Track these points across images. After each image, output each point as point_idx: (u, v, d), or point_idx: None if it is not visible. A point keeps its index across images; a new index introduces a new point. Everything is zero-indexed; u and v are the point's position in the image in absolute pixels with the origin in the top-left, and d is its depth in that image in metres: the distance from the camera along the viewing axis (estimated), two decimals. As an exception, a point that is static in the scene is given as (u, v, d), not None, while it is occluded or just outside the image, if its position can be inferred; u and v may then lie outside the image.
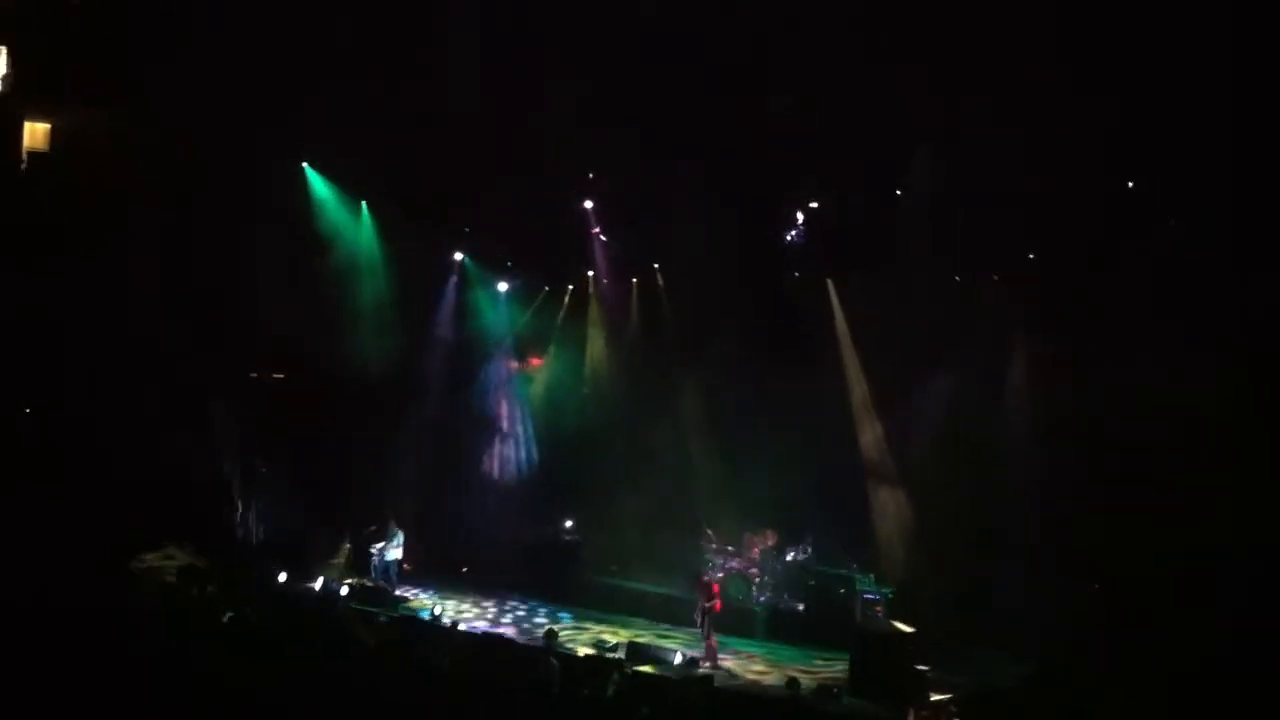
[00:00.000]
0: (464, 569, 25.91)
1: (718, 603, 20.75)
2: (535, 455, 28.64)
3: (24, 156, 25.24)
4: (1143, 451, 20.01)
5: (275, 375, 27.03)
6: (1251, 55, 18.12)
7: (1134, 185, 21.25)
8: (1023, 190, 21.21)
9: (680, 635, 21.67)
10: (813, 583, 22.92)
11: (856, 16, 20.57)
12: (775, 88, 22.44)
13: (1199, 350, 19.37)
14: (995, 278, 23.38)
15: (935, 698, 17.71)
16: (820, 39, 21.22)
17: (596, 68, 22.67)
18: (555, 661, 17.90)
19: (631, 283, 28.16)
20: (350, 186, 26.84)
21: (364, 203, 27.08)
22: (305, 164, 26.47)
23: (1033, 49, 19.66)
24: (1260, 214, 19.24)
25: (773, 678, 19.32)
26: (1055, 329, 22.08)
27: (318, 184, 26.71)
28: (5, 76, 24.82)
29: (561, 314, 29.00)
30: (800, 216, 25.21)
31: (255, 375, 26.84)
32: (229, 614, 17.16)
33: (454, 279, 28.66)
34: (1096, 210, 21.24)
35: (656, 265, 27.50)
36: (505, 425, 28.99)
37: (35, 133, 25.43)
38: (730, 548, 24.29)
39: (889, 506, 24.13)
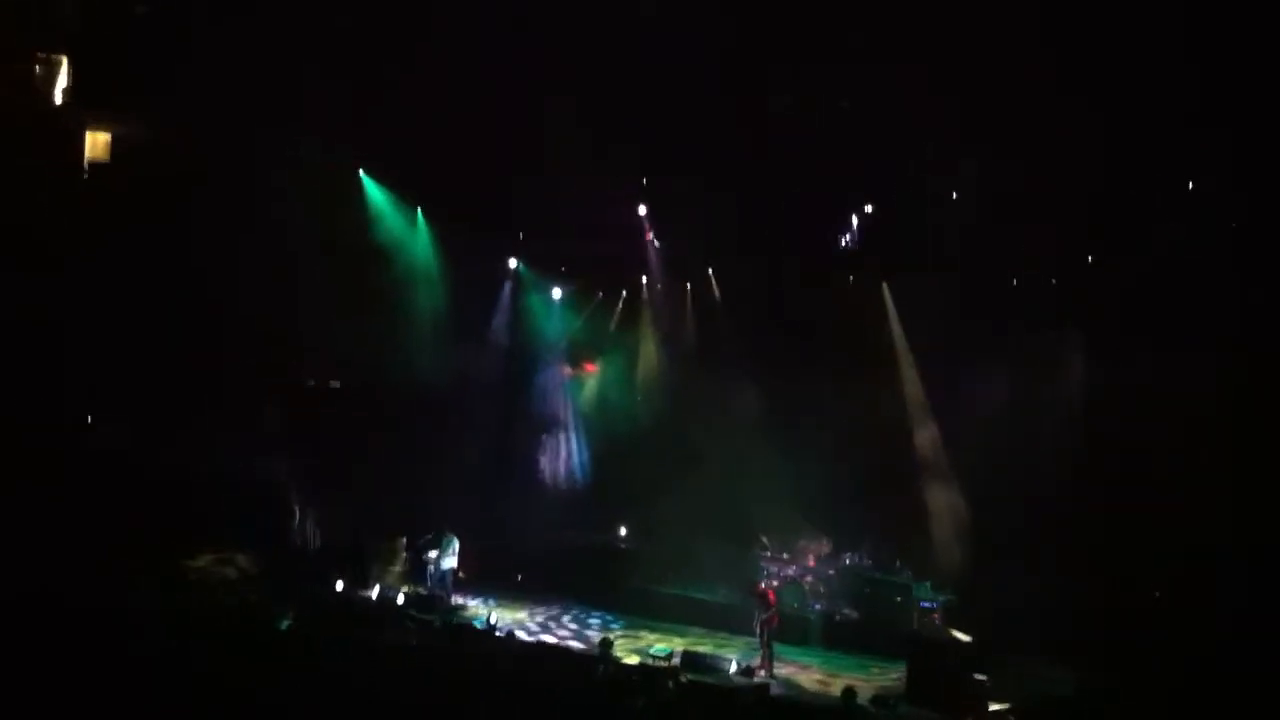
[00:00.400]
0: (518, 576, 25.92)
1: (773, 609, 20.64)
2: (589, 461, 28.65)
3: (86, 166, 25.54)
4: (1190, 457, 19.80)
5: (332, 383, 27.21)
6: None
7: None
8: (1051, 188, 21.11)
9: (736, 644, 21.54)
10: (868, 590, 22.73)
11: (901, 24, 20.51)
12: (828, 92, 22.40)
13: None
14: (1053, 281, 23.25)
15: (994, 707, 17.52)
16: (871, 42, 21.18)
17: (651, 74, 22.70)
18: (610, 669, 17.94)
19: (685, 287, 28.12)
20: (406, 195, 27.02)
21: (419, 210, 27.24)
22: (362, 172, 26.67)
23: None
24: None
25: (829, 687, 19.17)
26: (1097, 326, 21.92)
27: (374, 192, 26.88)
28: (66, 89, 25.15)
29: (615, 319, 29.00)
30: (855, 220, 25.09)
31: (313, 383, 27.04)
32: (286, 621, 17.38)
33: (509, 285, 28.77)
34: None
35: (710, 270, 27.45)
36: (559, 432, 29.02)
37: (96, 143, 25.74)
38: (785, 555, 24.17)
39: (945, 512, 23.87)
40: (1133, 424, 20.42)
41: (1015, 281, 23.76)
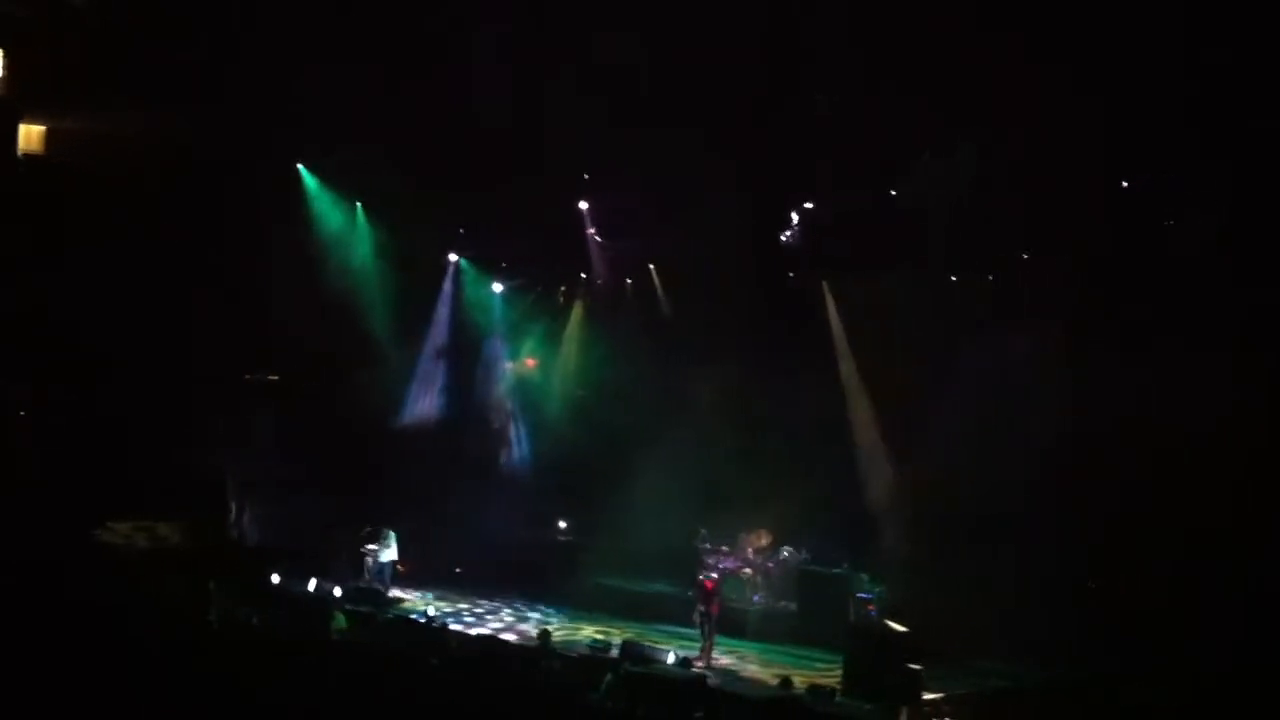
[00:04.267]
0: (458, 569, 25.90)
1: (714, 601, 20.74)
2: (530, 456, 28.65)
3: (20, 158, 25.27)
4: (1154, 448, 19.98)
5: (270, 377, 27.08)
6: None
7: (1140, 181, 21.18)
8: (1025, 187, 21.20)
9: (676, 635, 21.62)
10: (806, 582, 22.91)
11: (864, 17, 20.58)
12: (779, 88, 22.44)
13: (1205, 350, 19.38)
14: (990, 277, 23.47)
15: (929, 697, 17.68)
16: (824, 39, 21.24)
17: (594, 67, 22.72)
18: (550, 662, 17.97)
19: (626, 283, 28.18)
20: (345, 188, 26.90)
21: (359, 204, 27.13)
22: (300, 165, 26.52)
23: (1037, 44, 19.65)
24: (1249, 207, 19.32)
25: (767, 678, 19.28)
26: (1060, 323, 22.06)
27: (312, 185, 26.75)
28: (2, 79, 24.86)
29: (557, 315, 29.02)
30: (795, 217, 25.16)
31: (249, 376, 26.89)
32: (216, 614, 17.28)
33: (450, 280, 28.70)
34: (1103, 206, 21.26)
35: (652, 266, 27.52)
36: (500, 426, 28.99)
37: (31, 135, 25.48)
38: (725, 548, 24.27)
39: (886, 505, 24.04)
40: (1097, 420, 20.57)
41: (991, 278, 23.87)
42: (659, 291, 27.63)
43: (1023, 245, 22.73)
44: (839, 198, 24.03)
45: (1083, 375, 21.23)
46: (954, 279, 23.89)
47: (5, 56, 24.93)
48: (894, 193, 23.14)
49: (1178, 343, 19.69)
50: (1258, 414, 19.04)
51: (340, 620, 19.15)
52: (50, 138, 25.59)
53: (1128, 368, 20.30)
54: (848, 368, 25.20)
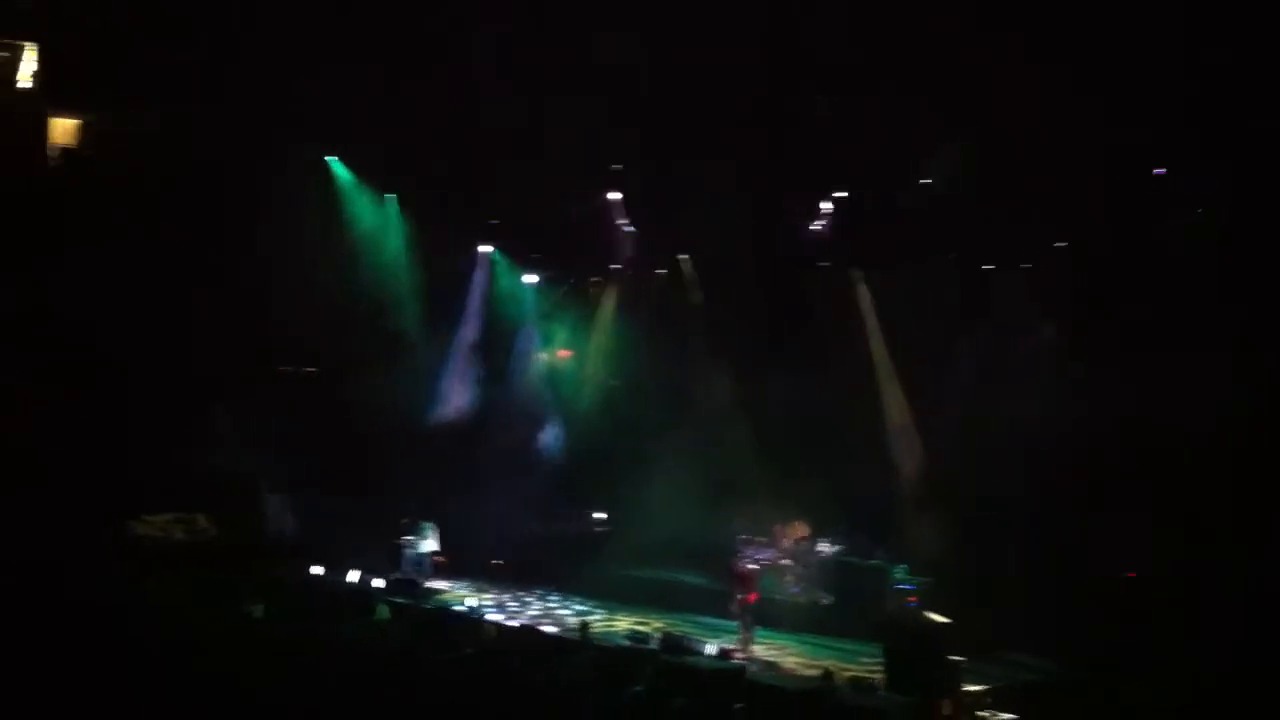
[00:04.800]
0: (496, 562, 25.98)
1: (752, 594, 20.75)
2: (564, 447, 28.67)
3: (54, 152, 25.39)
4: (1176, 446, 19.91)
5: (306, 370, 27.19)
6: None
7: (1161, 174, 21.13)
8: (1045, 180, 21.16)
9: (714, 626, 21.64)
10: (845, 574, 22.89)
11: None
12: (802, 83, 22.45)
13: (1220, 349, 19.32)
14: (1023, 267, 23.45)
15: (970, 689, 17.66)
16: (842, 33, 21.23)
17: (623, 62, 22.72)
18: (589, 653, 18.05)
19: (658, 274, 28.17)
20: (376, 180, 26.97)
21: (391, 196, 27.18)
22: (329, 158, 26.58)
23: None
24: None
25: (807, 671, 19.30)
26: (1081, 320, 22.05)
27: (343, 177, 26.81)
28: (35, 74, 24.98)
29: (589, 306, 29.04)
30: (824, 208, 25.18)
31: (285, 370, 27.00)
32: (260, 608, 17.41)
33: (481, 272, 28.74)
34: (1121, 200, 21.19)
35: (684, 257, 27.51)
36: (534, 418, 29.02)
37: (65, 129, 25.61)
38: (761, 539, 24.27)
39: (920, 496, 24.01)
40: (1117, 416, 20.55)
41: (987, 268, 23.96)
42: (689, 282, 27.60)
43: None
44: (862, 192, 24.06)
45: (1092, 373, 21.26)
46: (982, 269, 23.89)
47: (37, 52, 25.07)
48: (922, 182, 23.19)
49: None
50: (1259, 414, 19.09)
51: (383, 611, 19.31)
52: (84, 131, 25.73)
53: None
54: (880, 358, 25.20)
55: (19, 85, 25.05)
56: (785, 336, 24.95)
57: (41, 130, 25.43)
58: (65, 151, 25.22)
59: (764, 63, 22.11)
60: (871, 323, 25.22)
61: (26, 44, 25.03)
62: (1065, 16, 19.02)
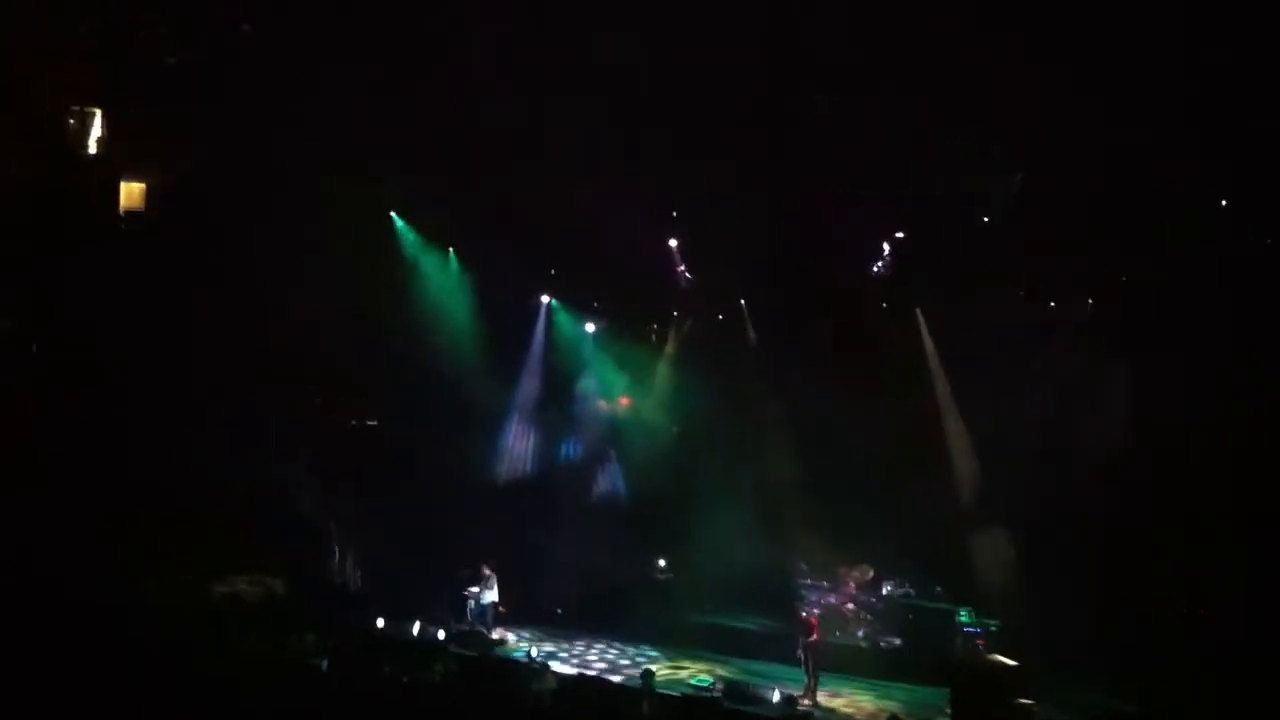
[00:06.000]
0: (558, 610, 25.91)
1: (816, 637, 20.52)
2: (625, 495, 28.62)
3: (122, 215, 25.87)
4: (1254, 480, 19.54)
5: (369, 421, 27.41)
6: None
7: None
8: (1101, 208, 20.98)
9: (778, 673, 21.39)
10: (911, 617, 22.61)
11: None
12: (858, 118, 22.38)
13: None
14: (1090, 300, 23.18)
15: (1041, 733, 17.34)
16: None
17: (676, 108, 22.76)
18: (651, 701, 17.88)
19: (718, 319, 28.14)
20: (436, 234, 27.20)
21: (451, 250, 27.42)
22: (392, 213, 26.88)
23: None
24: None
25: (874, 716, 19.02)
26: (1141, 348, 21.75)
27: (405, 233, 27.09)
28: (100, 139, 25.49)
29: (648, 352, 29.04)
30: (887, 247, 25.10)
31: (353, 423, 27.25)
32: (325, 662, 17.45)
33: (541, 321, 28.88)
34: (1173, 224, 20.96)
35: (743, 301, 27.49)
36: (595, 466, 29.01)
37: (131, 192, 26.06)
38: (826, 583, 24.05)
39: (986, 537, 23.65)
40: (1178, 445, 20.24)
41: (1052, 304, 23.71)
42: (750, 327, 27.55)
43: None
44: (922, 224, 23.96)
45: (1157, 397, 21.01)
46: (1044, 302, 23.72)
47: (103, 117, 25.59)
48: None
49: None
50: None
51: (445, 661, 19.26)
52: (150, 194, 26.18)
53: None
54: (944, 396, 24.96)
55: (90, 151, 25.56)
56: (847, 375, 24.69)
57: (114, 195, 25.90)
58: (130, 214, 25.66)
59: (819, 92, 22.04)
60: (933, 357, 25.04)
61: (95, 110, 25.55)
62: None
